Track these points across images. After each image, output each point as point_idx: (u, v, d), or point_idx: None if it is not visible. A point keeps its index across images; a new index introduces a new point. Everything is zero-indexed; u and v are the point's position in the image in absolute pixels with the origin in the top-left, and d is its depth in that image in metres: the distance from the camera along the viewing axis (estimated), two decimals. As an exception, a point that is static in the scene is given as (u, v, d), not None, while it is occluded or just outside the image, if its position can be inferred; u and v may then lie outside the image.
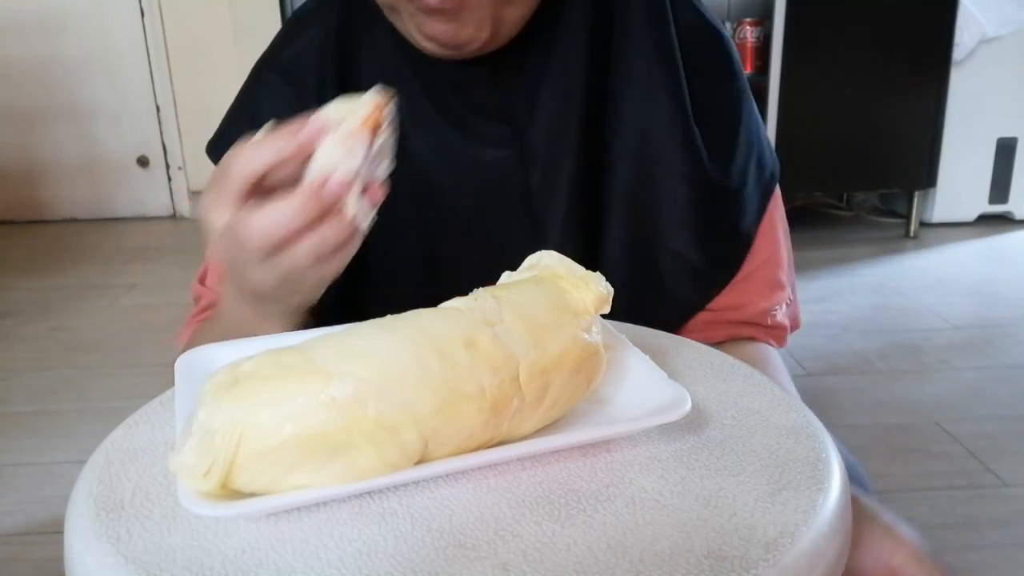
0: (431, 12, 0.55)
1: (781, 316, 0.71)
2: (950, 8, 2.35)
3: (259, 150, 0.46)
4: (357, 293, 0.65)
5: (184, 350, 0.66)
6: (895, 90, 2.42)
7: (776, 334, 0.71)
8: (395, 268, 0.67)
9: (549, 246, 0.63)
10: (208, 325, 0.64)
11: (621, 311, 0.63)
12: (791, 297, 0.73)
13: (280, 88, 0.67)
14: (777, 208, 0.71)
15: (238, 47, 2.85)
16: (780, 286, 0.70)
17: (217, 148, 0.69)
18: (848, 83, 2.40)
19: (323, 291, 0.54)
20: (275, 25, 2.29)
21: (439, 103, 0.64)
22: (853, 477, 0.44)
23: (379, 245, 0.66)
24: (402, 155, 0.65)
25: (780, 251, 0.71)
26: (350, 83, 0.65)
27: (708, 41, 0.67)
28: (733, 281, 0.69)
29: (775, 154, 0.72)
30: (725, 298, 0.69)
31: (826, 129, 2.44)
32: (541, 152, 0.64)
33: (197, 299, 0.72)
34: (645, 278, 0.67)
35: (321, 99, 0.64)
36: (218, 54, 2.91)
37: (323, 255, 0.47)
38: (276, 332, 0.56)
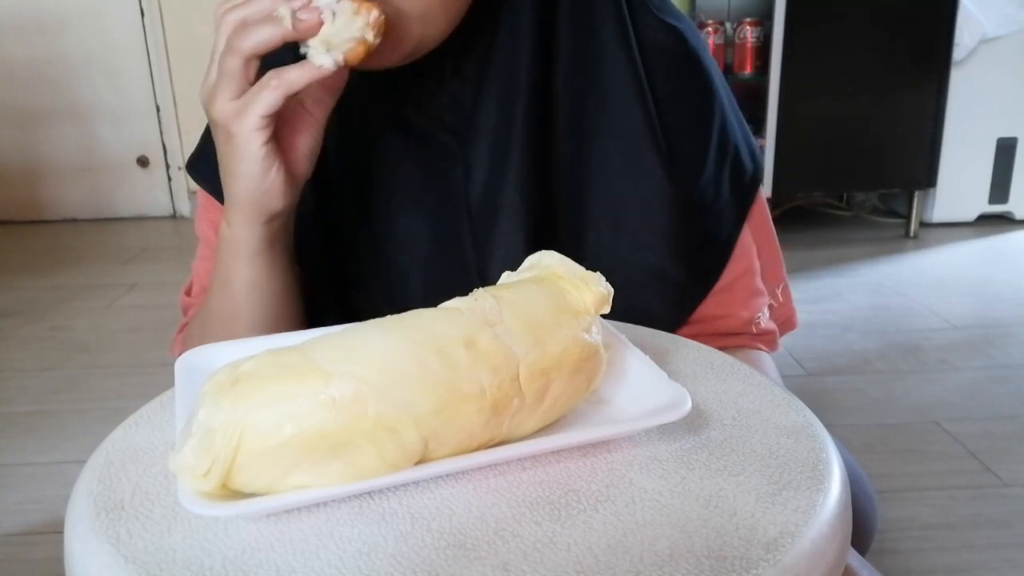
0: None
1: (766, 321, 0.70)
2: (950, 8, 2.36)
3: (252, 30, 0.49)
4: (318, 301, 0.66)
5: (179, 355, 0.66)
6: (895, 90, 2.42)
7: (765, 339, 0.70)
8: (347, 278, 0.67)
9: (494, 259, 0.63)
10: (204, 297, 0.64)
11: None
12: (780, 299, 0.72)
13: None
14: (758, 213, 0.69)
15: (238, 47, 2.84)
16: (758, 292, 0.69)
17: (197, 165, 0.69)
18: (848, 83, 2.40)
19: (287, 194, 0.55)
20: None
21: (387, 110, 0.64)
22: (853, 478, 0.44)
23: (330, 256, 0.67)
24: (349, 163, 0.66)
25: (755, 259, 0.69)
26: None
27: (674, 48, 0.65)
28: (713, 291, 0.67)
29: (757, 154, 0.69)
30: (706, 309, 0.68)
31: (826, 129, 2.45)
32: (481, 165, 0.63)
33: (185, 310, 0.72)
34: (616, 292, 0.65)
35: None
36: (218, 54, 2.90)
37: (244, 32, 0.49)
38: (262, 255, 0.58)
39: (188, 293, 0.72)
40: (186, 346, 0.63)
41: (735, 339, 0.69)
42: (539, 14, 0.62)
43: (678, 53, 0.65)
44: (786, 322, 0.74)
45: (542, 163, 0.63)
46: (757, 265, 0.69)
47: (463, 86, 0.63)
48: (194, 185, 0.69)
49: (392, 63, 0.57)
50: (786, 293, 0.74)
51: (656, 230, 0.64)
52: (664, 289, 0.65)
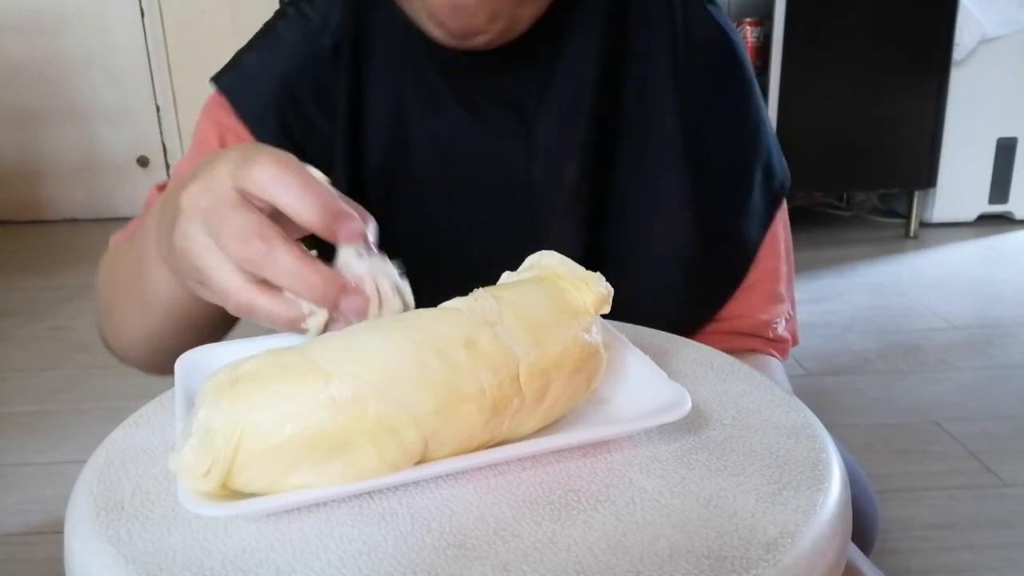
0: (440, 7, 0.55)
1: (782, 330, 0.71)
2: (950, 8, 2.36)
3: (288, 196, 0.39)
4: None
5: (106, 259, 0.63)
6: (895, 90, 2.42)
7: (779, 347, 0.71)
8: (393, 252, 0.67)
9: (547, 241, 0.63)
10: (126, 246, 0.60)
11: (621, 317, 0.63)
12: (790, 312, 0.73)
13: (302, 32, 0.66)
14: (782, 220, 0.71)
15: (238, 47, 2.85)
16: (780, 299, 0.70)
17: (225, 76, 0.67)
18: (848, 83, 2.40)
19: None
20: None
21: (452, 86, 0.64)
22: (853, 478, 0.44)
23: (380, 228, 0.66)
24: (408, 137, 0.65)
25: (781, 264, 0.70)
26: (364, 50, 0.65)
27: (721, 49, 0.67)
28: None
29: (784, 162, 0.70)
30: (724, 307, 0.69)
31: (826, 129, 2.45)
32: (546, 145, 0.64)
33: (148, 205, 0.66)
34: (647, 284, 0.66)
35: (336, 57, 0.64)
36: (218, 54, 2.90)
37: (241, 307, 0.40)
38: (166, 290, 0.51)
39: (162, 190, 0.66)
40: (115, 254, 0.61)
41: (749, 340, 0.69)
42: (613, 8, 0.64)
43: (726, 55, 0.67)
44: (792, 336, 0.74)
45: (606, 151, 0.64)
46: (783, 271, 0.70)
47: (534, 69, 0.63)
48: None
49: (484, 43, 0.57)
50: (794, 308, 0.74)
51: (687, 224, 0.65)
52: (691, 288, 0.66)
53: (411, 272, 0.66)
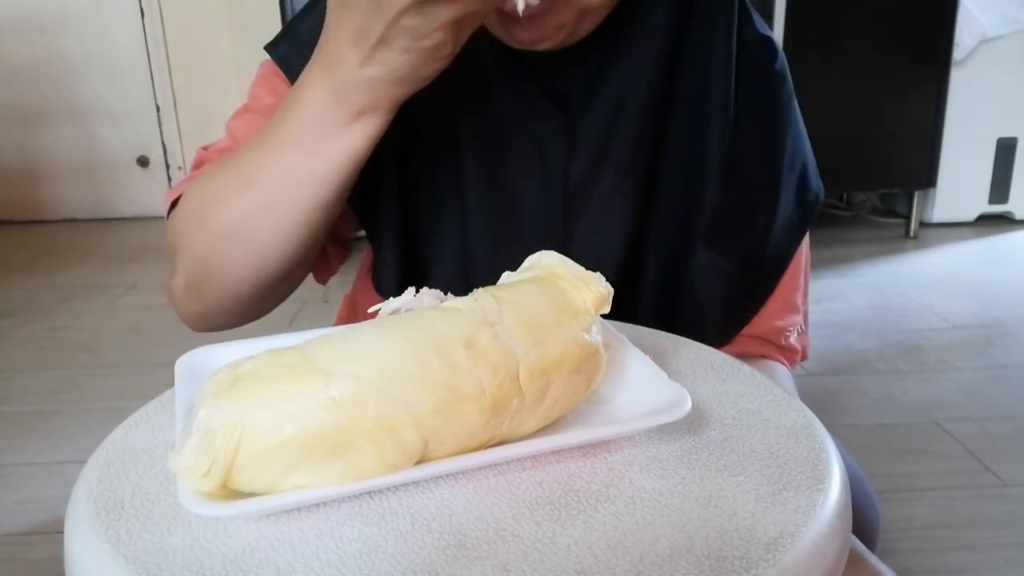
0: (512, 18, 0.56)
1: (794, 339, 0.71)
2: (950, 8, 2.36)
3: None
4: (395, 257, 0.66)
5: (176, 200, 0.62)
6: (895, 90, 2.42)
7: (789, 356, 0.71)
8: (430, 240, 0.67)
9: (579, 238, 0.63)
10: (225, 159, 0.60)
11: (651, 320, 0.63)
12: (803, 326, 0.73)
13: None
14: (807, 234, 0.71)
15: (238, 47, 2.85)
16: (796, 309, 0.71)
17: (280, 46, 0.66)
18: (848, 83, 2.40)
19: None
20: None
21: (502, 71, 0.64)
22: (853, 479, 0.44)
23: (418, 215, 0.66)
24: (454, 107, 0.65)
25: (800, 276, 0.71)
26: None
27: (765, 61, 0.67)
28: None
29: (818, 176, 0.71)
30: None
31: (826, 129, 2.44)
32: (588, 142, 0.64)
33: (198, 164, 0.68)
34: (680, 289, 0.67)
35: None
36: (218, 54, 2.91)
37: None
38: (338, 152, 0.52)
39: (207, 148, 0.68)
40: (191, 192, 0.60)
41: (762, 345, 0.70)
42: (676, 15, 0.64)
43: (770, 67, 0.68)
44: (803, 349, 0.75)
45: (645, 155, 0.64)
46: (801, 282, 0.71)
47: (588, 67, 0.64)
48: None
49: (546, 48, 0.58)
50: (807, 322, 0.74)
51: (727, 240, 0.66)
52: (723, 293, 0.67)
53: (440, 269, 0.66)
